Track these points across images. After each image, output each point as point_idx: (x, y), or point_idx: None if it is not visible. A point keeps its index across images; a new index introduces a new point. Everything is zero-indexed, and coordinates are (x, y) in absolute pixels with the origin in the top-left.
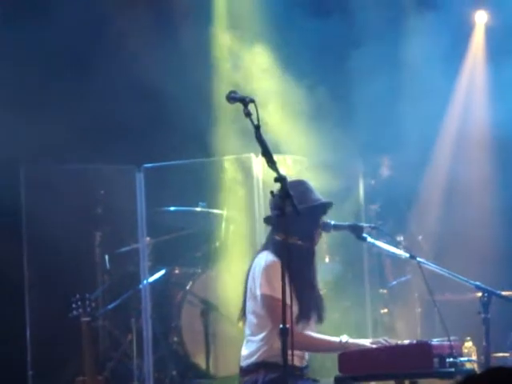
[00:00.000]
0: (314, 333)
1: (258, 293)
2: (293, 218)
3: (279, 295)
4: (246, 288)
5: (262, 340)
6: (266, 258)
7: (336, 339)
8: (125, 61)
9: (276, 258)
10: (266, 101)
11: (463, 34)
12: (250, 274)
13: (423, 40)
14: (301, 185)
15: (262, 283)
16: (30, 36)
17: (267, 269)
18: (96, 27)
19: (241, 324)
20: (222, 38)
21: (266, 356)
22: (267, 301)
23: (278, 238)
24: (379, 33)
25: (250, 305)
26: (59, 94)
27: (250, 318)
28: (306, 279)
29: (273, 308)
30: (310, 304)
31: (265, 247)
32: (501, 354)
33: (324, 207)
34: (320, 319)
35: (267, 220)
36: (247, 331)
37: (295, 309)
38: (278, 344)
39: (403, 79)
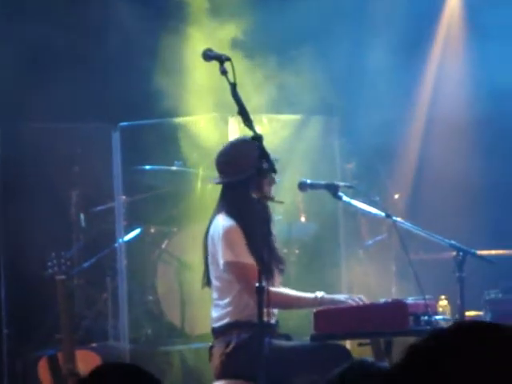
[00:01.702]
0: (288, 289)
1: (222, 261)
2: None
3: (243, 259)
4: (206, 253)
5: (230, 303)
6: (223, 223)
7: (311, 295)
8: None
9: (233, 221)
10: None
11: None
12: (209, 239)
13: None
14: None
15: (224, 250)
16: None
17: (226, 234)
18: None
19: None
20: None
21: (238, 317)
22: (233, 267)
23: (255, 195)
24: None
25: (212, 270)
26: (33, 52)
27: (215, 282)
28: (265, 236)
29: (240, 272)
30: (269, 258)
31: (219, 209)
32: (475, 313)
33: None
34: (281, 271)
35: (226, 183)
36: (214, 295)
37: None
38: (248, 304)
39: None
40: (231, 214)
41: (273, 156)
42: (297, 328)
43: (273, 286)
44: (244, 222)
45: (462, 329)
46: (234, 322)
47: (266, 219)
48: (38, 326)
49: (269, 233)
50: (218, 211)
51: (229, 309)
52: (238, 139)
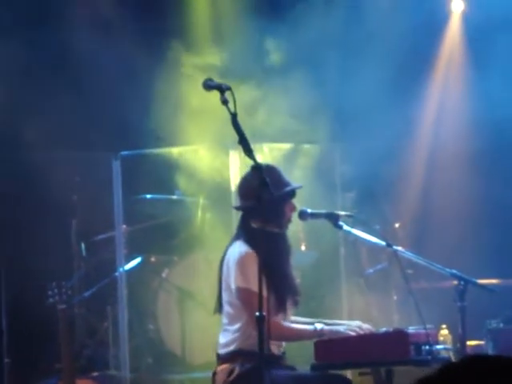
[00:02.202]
0: (289, 321)
1: (233, 286)
2: (269, 205)
3: (255, 287)
4: (220, 279)
5: (238, 330)
6: (240, 248)
7: (311, 327)
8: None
9: (250, 249)
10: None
11: (438, 24)
12: (224, 264)
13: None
14: (274, 171)
15: (237, 276)
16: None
17: (241, 260)
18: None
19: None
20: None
21: (243, 345)
22: (243, 293)
23: (254, 225)
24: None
25: (225, 295)
26: (32, 80)
27: (227, 308)
28: (280, 267)
29: (249, 300)
30: (286, 292)
31: (237, 236)
32: (476, 342)
33: (294, 191)
34: (296, 304)
35: (238, 208)
36: (224, 320)
37: (271, 300)
38: (254, 334)
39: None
40: (249, 242)
41: (295, 184)
42: (299, 357)
43: (285, 316)
44: (261, 250)
45: (471, 363)
46: (238, 350)
47: (284, 249)
48: (39, 355)
49: (287, 263)
50: (236, 238)
51: (236, 335)
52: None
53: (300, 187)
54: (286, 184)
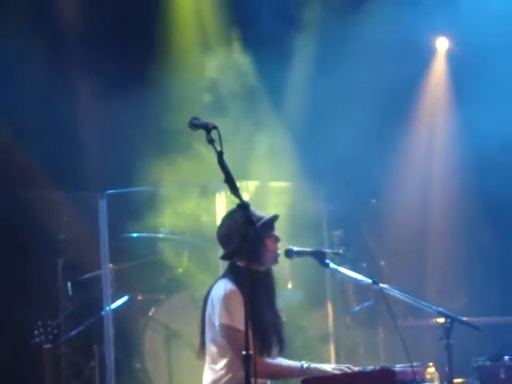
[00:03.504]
0: (275, 359)
1: (217, 322)
2: (253, 242)
3: (239, 325)
4: (203, 316)
5: (223, 368)
6: (225, 286)
7: (297, 365)
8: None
9: (235, 287)
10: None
11: (423, 60)
12: (209, 301)
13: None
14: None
15: (222, 312)
16: None
17: (226, 298)
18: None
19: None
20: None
21: None
22: (227, 331)
23: (240, 264)
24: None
25: (209, 333)
26: (22, 121)
27: (210, 346)
28: (265, 307)
29: (233, 338)
30: (271, 333)
31: (224, 275)
32: (462, 380)
33: (272, 222)
34: (281, 348)
35: (224, 257)
36: (208, 359)
37: (256, 339)
38: (239, 372)
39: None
40: (234, 280)
41: (271, 214)
42: None
43: (269, 355)
44: (245, 289)
45: None
46: None
47: (268, 288)
48: None
49: (271, 302)
50: (221, 276)
51: (221, 374)
52: (230, 210)
53: (277, 216)
54: (261, 218)
